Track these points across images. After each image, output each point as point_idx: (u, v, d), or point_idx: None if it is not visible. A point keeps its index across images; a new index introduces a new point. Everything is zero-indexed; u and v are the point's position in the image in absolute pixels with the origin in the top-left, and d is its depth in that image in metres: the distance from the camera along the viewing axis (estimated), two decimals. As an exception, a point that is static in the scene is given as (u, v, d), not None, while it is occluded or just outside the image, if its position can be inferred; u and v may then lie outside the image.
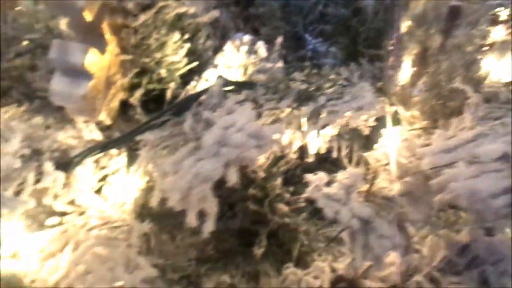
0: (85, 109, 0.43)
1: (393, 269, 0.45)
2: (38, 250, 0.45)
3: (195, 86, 0.53)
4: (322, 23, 0.69)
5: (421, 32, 0.46)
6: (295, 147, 0.48)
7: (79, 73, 0.40)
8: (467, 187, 0.33)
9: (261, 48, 0.55)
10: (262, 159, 0.50)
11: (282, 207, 0.56)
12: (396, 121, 0.51)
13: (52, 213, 0.46)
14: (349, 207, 0.39)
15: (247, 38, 0.56)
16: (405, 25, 0.48)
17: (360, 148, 0.58)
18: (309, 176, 0.42)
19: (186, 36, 0.54)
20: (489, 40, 0.46)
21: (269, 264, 0.58)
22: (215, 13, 0.56)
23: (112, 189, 0.48)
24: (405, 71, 0.49)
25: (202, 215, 0.39)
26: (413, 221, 0.42)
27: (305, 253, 0.58)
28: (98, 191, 0.48)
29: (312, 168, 0.52)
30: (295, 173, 0.58)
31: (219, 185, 0.38)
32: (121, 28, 0.47)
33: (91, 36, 0.41)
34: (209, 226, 0.36)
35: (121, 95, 0.51)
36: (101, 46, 0.43)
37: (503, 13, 0.46)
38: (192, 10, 0.51)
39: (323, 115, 0.41)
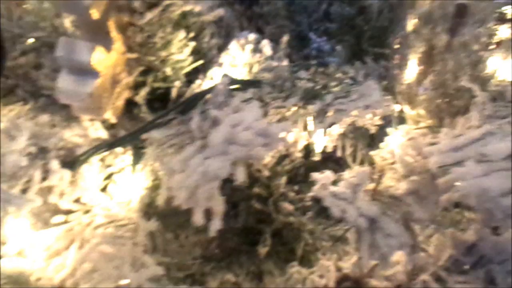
0: (91, 107, 0.43)
1: (399, 268, 0.45)
2: (44, 248, 0.45)
3: (200, 85, 0.53)
4: (327, 22, 0.69)
5: (427, 31, 0.46)
6: (300, 145, 0.48)
7: (86, 71, 0.40)
8: (477, 186, 0.33)
9: (266, 46, 0.55)
10: (267, 158, 0.50)
11: (287, 206, 0.56)
12: (402, 120, 0.51)
13: (57, 211, 0.46)
14: (356, 206, 0.39)
15: (252, 36, 0.56)
16: (411, 23, 0.48)
17: (364, 147, 0.58)
18: (315, 175, 0.42)
19: (191, 35, 0.54)
20: (496, 39, 0.46)
21: (273, 263, 0.58)
22: (220, 12, 0.56)
23: (117, 188, 0.48)
24: (411, 70, 0.49)
25: (207, 214, 0.39)
26: (420, 220, 0.42)
27: (310, 252, 0.58)
28: (104, 189, 0.48)
29: (316, 167, 0.52)
30: (299, 172, 0.58)
31: (224, 184, 0.38)
32: (127, 26, 0.47)
33: (97, 34, 0.41)
34: (216, 225, 0.36)
35: (126, 94, 0.51)
36: (108, 44, 0.43)
37: (510, 11, 0.45)
38: (197, 8, 0.50)
39: (330, 113, 0.41)
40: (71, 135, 0.45)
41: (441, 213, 0.48)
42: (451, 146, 0.38)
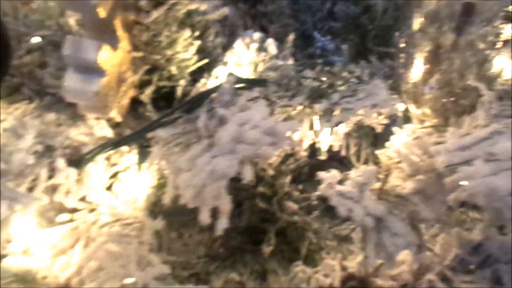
0: (97, 106, 0.43)
1: (404, 267, 0.44)
2: (50, 246, 0.45)
3: (205, 84, 0.53)
4: (331, 21, 0.69)
5: (433, 29, 0.46)
6: (306, 144, 0.48)
7: (92, 70, 0.40)
8: (485, 185, 0.33)
9: (271, 45, 0.55)
10: (274, 157, 0.50)
11: (291, 205, 0.56)
12: (407, 119, 0.51)
13: (63, 209, 0.46)
14: (363, 205, 0.38)
15: (257, 35, 0.56)
16: (417, 22, 0.47)
17: (368, 146, 0.58)
18: (321, 174, 0.42)
19: (196, 34, 0.54)
20: (503, 37, 0.46)
21: (277, 262, 0.58)
22: (225, 10, 0.56)
23: (123, 186, 0.48)
24: (417, 69, 0.49)
25: (213, 213, 0.39)
26: (426, 220, 0.42)
27: (314, 251, 0.58)
28: (109, 188, 0.48)
29: (320, 166, 0.52)
30: (303, 171, 0.58)
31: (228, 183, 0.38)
32: (133, 25, 0.47)
33: (104, 32, 0.41)
34: (222, 224, 0.36)
35: (132, 92, 0.51)
36: (114, 42, 0.43)
37: (517, 10, 0.45)
38: (203, 7, 0.50)
39: (337, 112, 0.41)
40: (77, 134, 0.45)
41: (446, 213, 0.48)
42: (458, 145, 0.38)
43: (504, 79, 0.46)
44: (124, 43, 0.46)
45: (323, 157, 0.47)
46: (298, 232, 0.57)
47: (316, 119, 0.43)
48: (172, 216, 0.50)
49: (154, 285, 0.39)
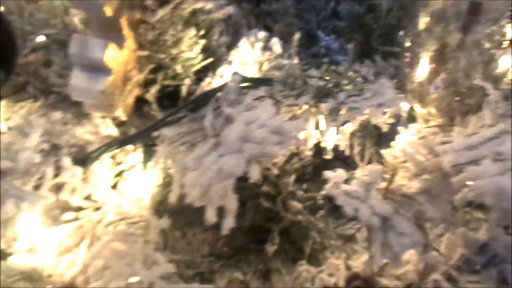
0: (102, 104, 0.43)
1: (410, 267, 0.44)
2: (55, 245, 0.45)
3: (209, 83, 0.53)
4: (336, 20, 0.69)
5: (440, 29, 0.46)
6: (311, 144, 0.48)
7: (98, 69, 0.40)
8: (493, 185, 0.33)
9: (276, 44, 0.55)
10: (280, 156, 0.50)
11: (295, 205, 0.56)
12: (412, 118, 0.51)
13: (67, 208, 0.46)
14: (369, 205, 0.38)
15: (262, 34, 0.56)
16: (423, 21, 0.47)
17: (372, 145, 0.58)
18: (327, 173, 0.42)
19: (201, 33, 0.54)
20: (509, 37, 0.46)
21: (281, 261, 0.58)
22: (230, 9, 0.56)
23: (128, 185, 0.48)
24: (423, 68, 0.49)
25: (219, 212, 0.38)
26: (432, 219, 0.42)
27: (318, 250, 0.57)
28: (114, 186, 0.48)
29: (324, 166, 0.52)
30: (307, 170, 0.58)
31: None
32: (138, 23, 0.47)
33: (110, 31, 0.41)
34: (229, 223, 0.36)
35: (137, 91, 0.51)
36: (120, 41, 0.43)
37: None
38: (209, 6, 0.50)
39: (343, 111, 0.41)
40: (82, 132, 0.45)
41: (451, 212, 0.48)
42: (465, 145, 0.38)
43: (510, 78, 0.46)
44: (130, 42, 0.46)
45: (328, 156, 0.47)
46: (302, 232, 0.57)
47: (322, 118, 0.43)
48: (176, 215, 0.50)
49: (160, 284, 0.39)
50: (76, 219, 0.47)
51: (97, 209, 0.47)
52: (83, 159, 0.44)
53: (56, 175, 0.42)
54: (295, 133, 0.36)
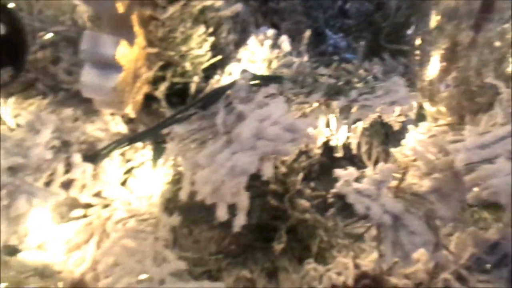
0: (113, 101, 0.43)
1: (420, 266, 0.44)
2: (64, 241, 0.46)
3: (218, 80, 0.53)
4: (344, 18, 0.69)
5: (451, 27, 0.45)
6: (320, 142, 0.48)
7: (110, 65, 0.40)
8: (508, 183, 0.32)
9: (285, 42, 0.55)
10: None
11: (303, 203, 0.56)
12: (421, 117, 0.50)
13: (77, 205, 0.47)
14: (380, 203, 0.38)
15: (271, 32, 0.56)
16: (434, 19, 0.47)
17: (379, 144, 0.57)
18: (338, 171, 0.42)
19: (210, 30, 0.53)
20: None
21: (288, 259, 0.58)
22: (238, 7, 0.56)
23: (137, 182, 0.48)
24: (433, 66, 0.48)
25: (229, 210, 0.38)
26: (443, 218, 0.41)
27: (325, 249, 0.57)
28: (123, 183, 0.48)
29: (331, 164, 0.52)
30: (313, 169, 0.58)
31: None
32: (149, 20, 0.47)
33: (121, 28, 0.41)
34: (240, 220, 0.36)
35: (146, 88, 0.51)
36: (131, 38, 0.43)
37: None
38: (218, 3, 0.50)
39: (354, 109, 0.40)
40: (92, 129, 0.45)
41: (461, 211, 0.48)
42: (478, 144, 0.37)
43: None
44: (140, 38, 0.46)
45: (339, 154, 0.47)
46: (309, 230, 0.57)
47: (332, 116, 0.43)
48: (185, 212, 0.50)
49: (170, 281, 0.39)
50: (85, 216, 0.47)
51: (107, 206, 0.47)
52: (93, 156, 0.44)
53: (66, 172, 0.42)
54: (307, 130, 0.36)
